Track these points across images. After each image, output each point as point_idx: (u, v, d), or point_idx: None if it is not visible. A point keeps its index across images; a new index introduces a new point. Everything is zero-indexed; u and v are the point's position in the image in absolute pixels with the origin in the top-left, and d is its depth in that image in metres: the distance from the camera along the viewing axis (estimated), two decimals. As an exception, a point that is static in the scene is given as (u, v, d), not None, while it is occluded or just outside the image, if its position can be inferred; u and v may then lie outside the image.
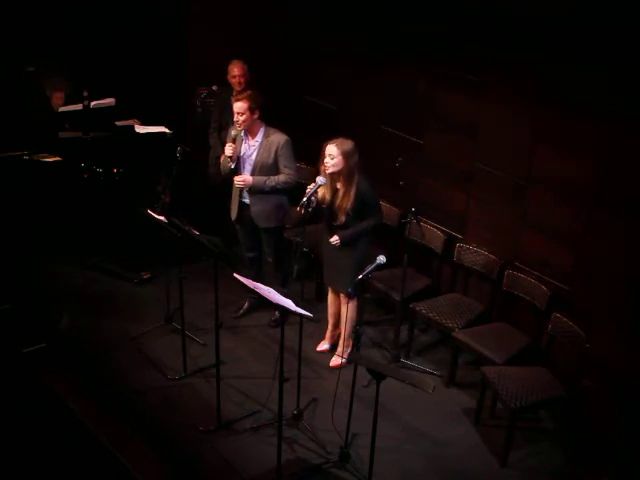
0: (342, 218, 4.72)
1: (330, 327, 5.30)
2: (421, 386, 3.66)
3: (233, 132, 5.06)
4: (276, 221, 5.25)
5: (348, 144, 4.62)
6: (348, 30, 6.06)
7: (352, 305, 4.94)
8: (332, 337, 5.33)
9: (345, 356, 5.08)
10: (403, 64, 5.65)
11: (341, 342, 5.17)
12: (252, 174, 5.07)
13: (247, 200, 5.17)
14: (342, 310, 5.02)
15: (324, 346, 5.32)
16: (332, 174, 4.65)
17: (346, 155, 4.59)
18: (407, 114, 5.73)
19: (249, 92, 5.00)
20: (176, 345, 5.05)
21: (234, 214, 5.27)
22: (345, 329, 5.07)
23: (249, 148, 5.09)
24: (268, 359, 5.02)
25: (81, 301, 5.70)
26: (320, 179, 4.60)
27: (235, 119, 4.97)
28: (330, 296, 5.19)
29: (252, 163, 5.07)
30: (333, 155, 4.59)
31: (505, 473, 4.34)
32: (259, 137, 5.05)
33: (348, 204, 4.66)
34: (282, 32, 6.70)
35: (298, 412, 4.58)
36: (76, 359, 5.05)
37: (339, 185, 4.71)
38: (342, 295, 5.00)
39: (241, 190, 5.16)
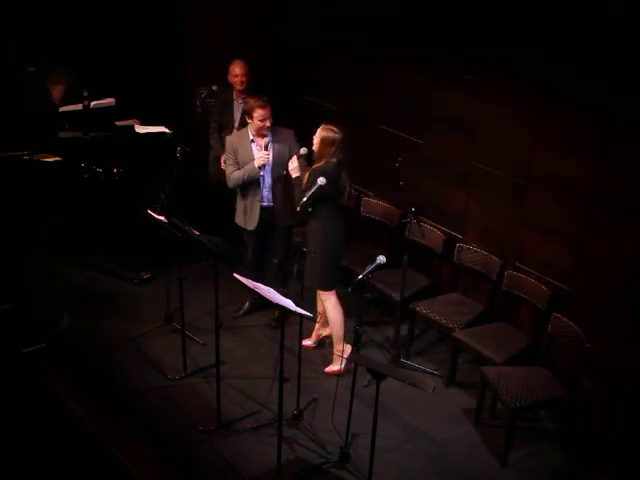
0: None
1: (317, 325, 5.25)
2: (421, 386, 3.66)
3: (266, 139, 5.05)
4: (291, 218, 5.31)
5: (329, 133, 4.74)
6: (348, 30, 6.06)
7: (330, 305, 4.93)
8: (317, 336, 5.32)
9: (339, 366, 4.92)
10: (403, 64, 5.65)
11: (335, 349, 5.06)
12: (272, 174, 5.11)
13: (268, 203, 5.19)
14: (326, 311, 5.02)
15: (307, 342, 5.25)
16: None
17: (321, 141, 4.74)
18: (407, 114, 5.73)
19: (262, 96, 5.06)
20: (176, 345, 5.05)
21: (254, 223, 5.22)
22: (333, 332, 5.03)
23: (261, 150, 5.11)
24: (268, 359, 5.03)
25: (81, 301, 5.70)
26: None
27: (264, 125, 4.99)
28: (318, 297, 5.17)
29: (271, 163, 5.09)
30: (316, 135, 4.77)
31: (505, 473, 4.34)
32: (269, 137, 5.08)
33: (304, 181, 4.76)
34: (282, 32, 6.70)
35: (298, 412, 4.58)
36: (76, 359, 5.05)
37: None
38: (318, 292, 5.02)
39: (262, 196, 5.16)
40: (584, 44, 4.35)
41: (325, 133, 4.75)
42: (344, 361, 4.84)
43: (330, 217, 4.86)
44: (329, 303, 4.97)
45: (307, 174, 4.77)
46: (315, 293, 5.17)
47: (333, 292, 4.97)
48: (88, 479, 4.18)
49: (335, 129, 4.75)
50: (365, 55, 5.98)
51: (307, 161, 4.93)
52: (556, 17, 4.46)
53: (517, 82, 4.83)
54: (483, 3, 4.91)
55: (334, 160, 4.76)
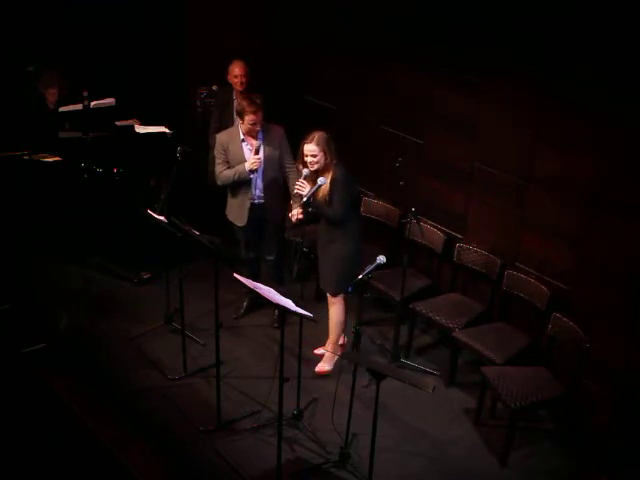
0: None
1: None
2: (421, 386, 3.66)
3: (257, 143, 5.04)
4: (282, 213, 5.33)
5: (323, 137, 4.61)
6: (349, 30, 6.05)
7: (338, 308, 4.88)
8: None
9: (330, 366, 4.97)
10: (403, 64, 5.65)
11: (328, 347, 5.03)
12: (263, 175, 5.10)
13: (259, 200, 5.20)
14: (330, 312, 4.97)
15: (321, 351, 5.21)
16: (317, 170, 4.65)
17: (326, 148, 4.60)
18: (407, 114, 5.73)
19: (255, 99, 5.07)
20: (176, 345, 5.05)
21: (244, 219, 5.24)
22: (332, 333, 4.98)
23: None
24: (268, 359, 5.02)
25: (81, 301, 5.70)
26: (321, 179, 4.60)
27: (255, 129, 4.99)
28: (328, 300, 5.11)
29: (263, 164, 5.08)
30: (315, 153, 4.58)
31: (505, 473, 4.34)
32: (260, 135, 5.08)
33: (326, 193, 4.65)
34: (282, 32, 6.70)
35: (298, 412, 4.58)
36: (76, 359, 5.05)
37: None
38: (329, 296, 4.98)
39: (253, 194, 5.17)
40: (584, 44, 4.35)
41: (320, 142, 4.57)
42: (334, 362, 4.90)
43: (351, 218, 4.74)
44: (339, 307, 4.86)
45: (327, 189, 4.62)
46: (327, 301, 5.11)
47: (343, 297, 4.85)
48: (88, 479, 4.18)
49: (319, 132, 4.62)
50: (365, 55, 5.98)
51: None
52: (556, 17, 4.46)
53: (517, 82, 4.83)
54: (483, 3, 4.91)
55: (335, 161, 4.66)
